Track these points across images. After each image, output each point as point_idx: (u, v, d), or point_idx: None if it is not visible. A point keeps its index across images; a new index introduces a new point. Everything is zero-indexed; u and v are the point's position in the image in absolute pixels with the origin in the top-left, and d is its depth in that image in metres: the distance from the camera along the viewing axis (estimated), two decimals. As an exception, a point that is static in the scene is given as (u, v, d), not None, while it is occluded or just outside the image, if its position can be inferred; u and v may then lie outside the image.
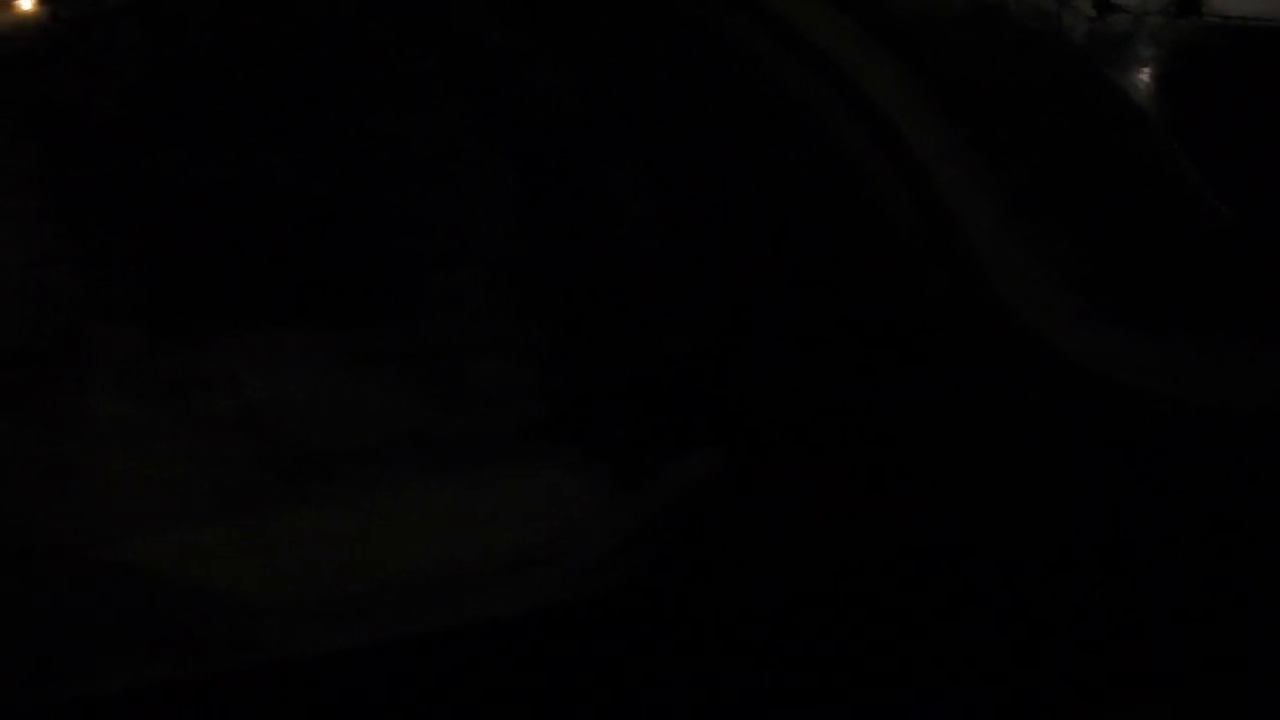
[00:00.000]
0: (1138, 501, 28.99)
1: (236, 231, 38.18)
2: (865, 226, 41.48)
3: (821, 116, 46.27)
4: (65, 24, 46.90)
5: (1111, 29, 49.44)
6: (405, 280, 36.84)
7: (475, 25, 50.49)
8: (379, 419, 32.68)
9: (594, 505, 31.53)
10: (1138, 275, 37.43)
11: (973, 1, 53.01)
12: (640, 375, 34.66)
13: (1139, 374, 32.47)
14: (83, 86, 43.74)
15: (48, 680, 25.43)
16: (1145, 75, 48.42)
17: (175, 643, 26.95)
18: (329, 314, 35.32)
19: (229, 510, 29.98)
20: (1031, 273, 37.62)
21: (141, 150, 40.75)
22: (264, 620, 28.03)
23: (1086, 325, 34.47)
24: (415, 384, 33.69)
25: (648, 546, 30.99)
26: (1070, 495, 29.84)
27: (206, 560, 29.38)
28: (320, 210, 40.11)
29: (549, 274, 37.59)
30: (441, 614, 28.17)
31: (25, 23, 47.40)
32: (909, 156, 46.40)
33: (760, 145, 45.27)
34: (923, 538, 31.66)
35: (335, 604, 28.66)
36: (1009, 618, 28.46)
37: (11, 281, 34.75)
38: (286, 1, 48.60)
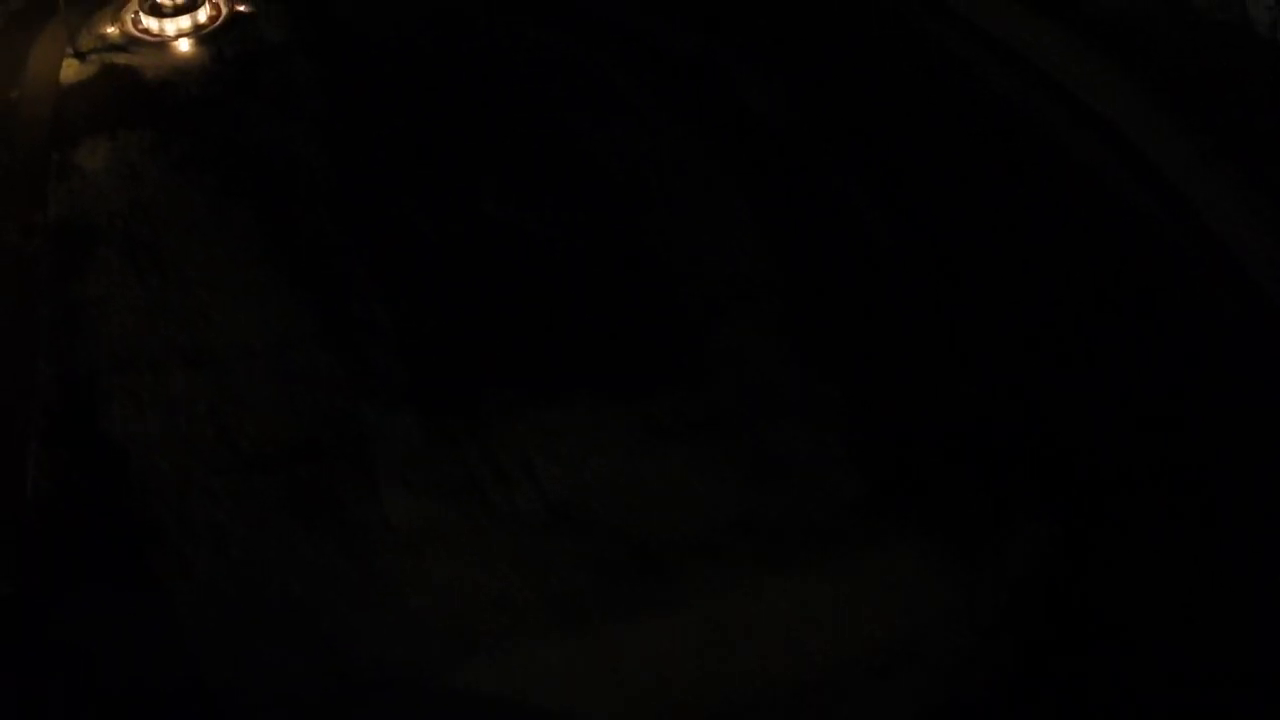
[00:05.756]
0: None
1: (488, 286, 35.05)
2: (1143, 260, 38.40)
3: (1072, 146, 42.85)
4: (232, 64, 44.30)
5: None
6: (683, 335, 33.67)
7: (688, 45, 46.71)
8: (696, 504, 29.91)
9: (943, 591, 29.00)
10: None
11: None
12: (953, 439, 32.00)
13: None
14: (277, 130, 40.16)
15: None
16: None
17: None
18: (612, 381, 32.32)
19: (565, 622, 27.22)
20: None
21: (364, 198, 37.36)
22: (628, 750, 25.62)
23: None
24: (723, 460, 30.73)
25: (1009, 633, 28.47)
26: None
27: (554, 683, 26.72)
28: (569, 257, 36.96)
29: (826, 324, 34.94)
30: (820, 729, 25.70)
31: (190, 65, 44.78)
32: (1159, 175, 43.77)
33: (1015, 184, 41.03)
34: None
35: (699, 724, 26.26)
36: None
37: (266, 366, 31.85)
38: (466, 27, 45.78)
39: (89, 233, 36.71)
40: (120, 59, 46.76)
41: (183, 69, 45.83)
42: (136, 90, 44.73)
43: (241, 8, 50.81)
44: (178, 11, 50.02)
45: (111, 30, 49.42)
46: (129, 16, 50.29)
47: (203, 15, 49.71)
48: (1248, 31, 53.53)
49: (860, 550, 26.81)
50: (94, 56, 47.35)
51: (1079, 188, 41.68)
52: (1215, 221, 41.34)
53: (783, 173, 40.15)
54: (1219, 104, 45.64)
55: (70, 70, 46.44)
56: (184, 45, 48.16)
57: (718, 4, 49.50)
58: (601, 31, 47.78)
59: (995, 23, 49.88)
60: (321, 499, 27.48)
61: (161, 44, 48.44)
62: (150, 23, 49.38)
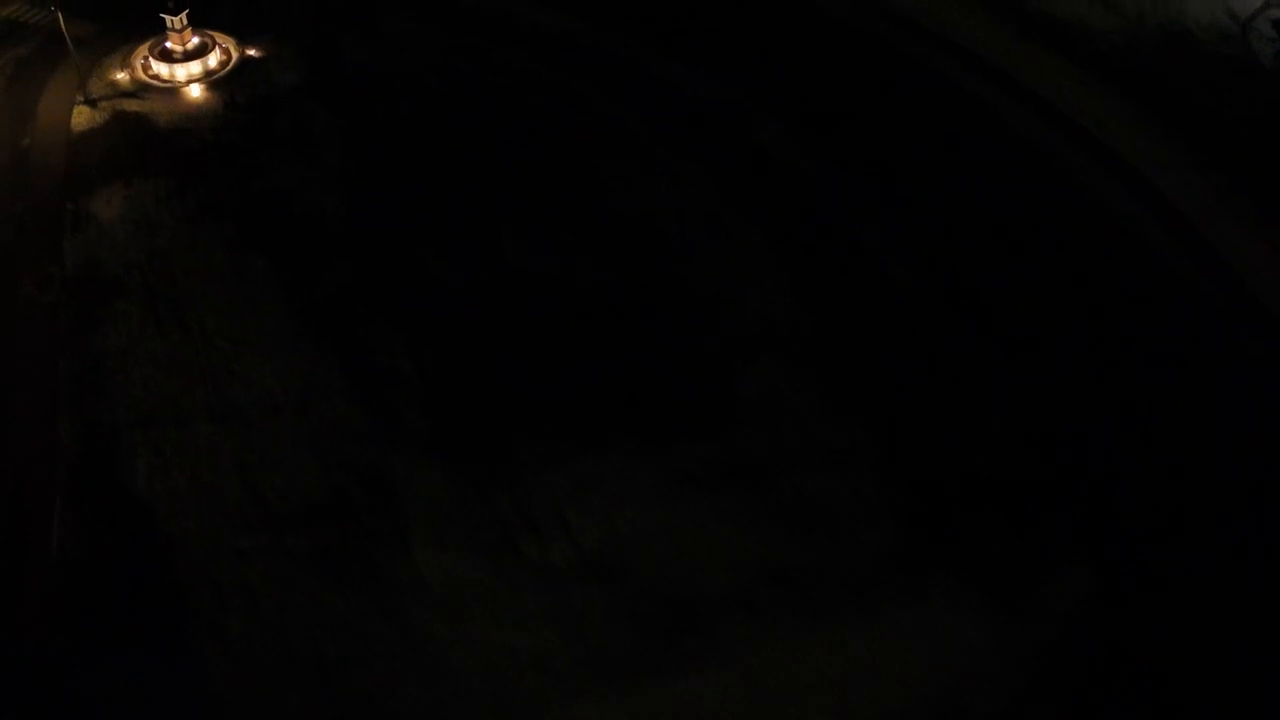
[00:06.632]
0: None
1: (511, 334, 34.66)
2: (1164, 299, 38.21)
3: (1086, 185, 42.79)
4: (245, 110, 44.18)
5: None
6: (712, 381, 33.40)
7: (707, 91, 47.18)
8: (731, 555, 29.61)
9: (983, 641, 28.63)
10: None
11: (1163, 29, 50.68)
12: (988, 486, 31.65)
13: None
14: (293, 177, 40.32)
15: None
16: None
17: None
18: (642, 430, 32.05)
19: (603, 681, 26.97)
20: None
21: (382, 246, 37.29)
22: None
23: None
24: (757, 510, 30.43)
25: (1050, 683, 28.06)
26: None
27: (595, 747, 26.52)
28: (591, 304, 36.41)
29: (854, 368, 34.78)
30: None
31: (203, 111, 44.65)
32: (1175, 213, 43.85)
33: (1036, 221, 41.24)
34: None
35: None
36: None
37: (291, 419, 31.50)
38: (480, 70, 45.67)
39: (107, 284, 36.50)
40: (131, 105, 46.83)
41: (195, 115, 45.80)
42: (149, 137, 44.64)
43: (252, 52, 51.05)
44: (188, 57, 50.12)
45: (121, 76, 49.75)
46: (139, 62, 50.58)
47: (213, 60, 49.96)
48: (1252, 64, 53.91)
49: (900, 602, 26.53)
50: (105, 103, 47.47)
51: (1097, 226, 41.53)
52: (1233, 258, 41.48)
53: (801, 216, 40.04)
54: (1229, 138, 45.75)
55: (81, 117, 46.55)
56: (195, 91, 48.49)
57: (735, 50, 49.75)
58: (618, 76, 48.05)
59: (1005, 58, 50.62)
60: (352, 556, 27.17)
61: (173, 90, 48.77)
62: (161, 68, 49.58)
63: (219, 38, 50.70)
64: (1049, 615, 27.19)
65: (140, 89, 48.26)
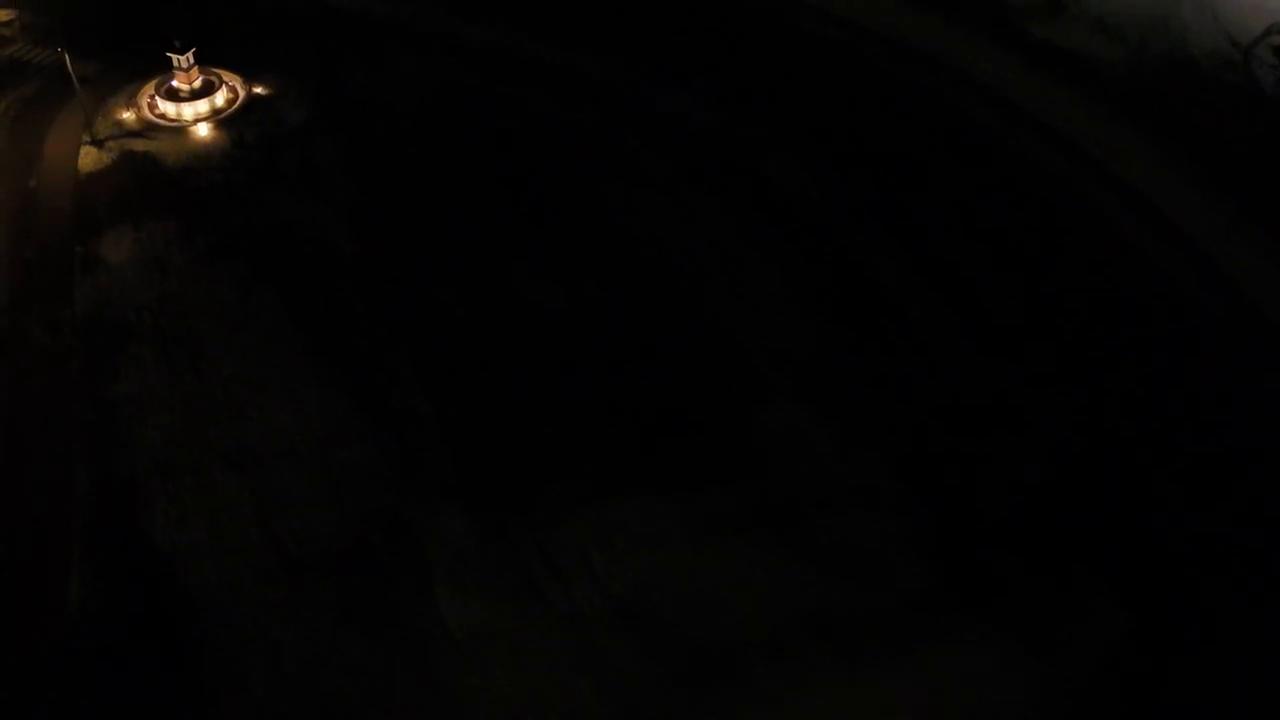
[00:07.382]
0: None
1: (529, 373, 34.17)
2: (1183, 331, 37.95)
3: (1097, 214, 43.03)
4: (253, 148, 43.96)
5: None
6: (732, 417, 32.90)
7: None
8: (761, 600, 29.13)
9: (1019, 685, 28.03)
10: None
11: (1166, 57, 50.73)
12: (1017, 524, 31.25)
13: None
14: (303, 215, 40.22)
15: None
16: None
17: None
18: (666, 471, 31.65)
19: (635, 730, 26.84)
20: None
21: (394, 283, 37.05)
22: None
23: None
24: (784, 552, 29.93)
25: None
26: None
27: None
28: (606, 339, 35.69)
29: (872, 400, 34.43)
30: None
31: (211, 150, 44.45)
32: (1184, 238, 43.69)
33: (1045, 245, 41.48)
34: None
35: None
36: None
37: (310, 464, 31.22)
38: (485, 101, 45.50)
39: (119, 328, 36.16)
40: (139, 145, 46.61)
41: (203, 155, 45.64)
42: (158, 178, 44.44)
43: (259, 89, 51.01)
44: (195, 96, 50.02)
45: (128, 116, 49.65)
46: (145, 101, 50.46)
47: (220, 99, 49.92)
48: (1254, 90, 54.01)
49: (934, 646, 26.19)
50: (112, 143, 47.36)
51: (1111, 254, 41.41)
52: (1234, 269, 41.23)
53: (807, 243, 39.84)
54: (1230, 158, 45.62)
55: (88, 158, 46.42)
56: (203, 130, 48.44)
57: (737, 76, 49.90)
58: (621, 105, 48.11)
59: (1013, 87, 50.71)
60: (376, 604, 26.74)
61: (180, 129, 48.66)
62: (167, 108, 49.57)
63: (226, 76, 50.54)
64: (1085, 658, 26.80)
65: (147, 128, 48.05)
